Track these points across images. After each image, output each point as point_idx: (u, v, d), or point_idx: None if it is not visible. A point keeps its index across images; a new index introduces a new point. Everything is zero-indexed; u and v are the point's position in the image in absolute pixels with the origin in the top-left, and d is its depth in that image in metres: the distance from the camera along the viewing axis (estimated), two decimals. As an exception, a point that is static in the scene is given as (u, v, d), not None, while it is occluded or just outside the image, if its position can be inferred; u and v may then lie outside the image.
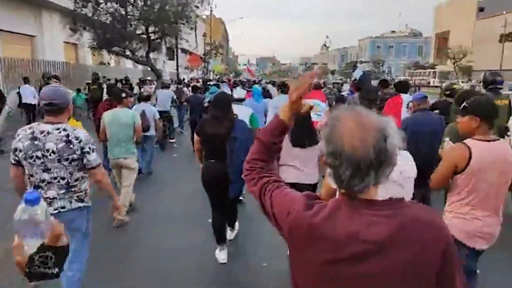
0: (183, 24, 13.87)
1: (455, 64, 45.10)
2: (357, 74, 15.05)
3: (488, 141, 2.47)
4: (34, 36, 16.70)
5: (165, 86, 12.03)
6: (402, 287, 1.06)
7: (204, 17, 46.10)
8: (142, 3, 12.38)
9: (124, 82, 13.88)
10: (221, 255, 4.09)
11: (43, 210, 0.89)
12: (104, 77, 14.64)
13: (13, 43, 15.64)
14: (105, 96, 9.98)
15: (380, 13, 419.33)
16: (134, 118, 5.18)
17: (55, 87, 2.77)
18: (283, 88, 7.35)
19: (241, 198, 5.43)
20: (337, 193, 1.22)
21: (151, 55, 15.98)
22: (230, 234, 4.53)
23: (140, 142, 6.02)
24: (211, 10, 41.46)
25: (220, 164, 3.80)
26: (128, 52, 13.65)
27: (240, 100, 5.82)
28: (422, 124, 4.37)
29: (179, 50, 26.52)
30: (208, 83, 17.12)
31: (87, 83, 13.93)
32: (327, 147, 1.08)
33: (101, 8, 12.27)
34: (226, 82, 18.32)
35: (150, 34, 13.11)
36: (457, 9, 53.32)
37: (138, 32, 13.09)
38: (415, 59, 66.65)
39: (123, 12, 12.51)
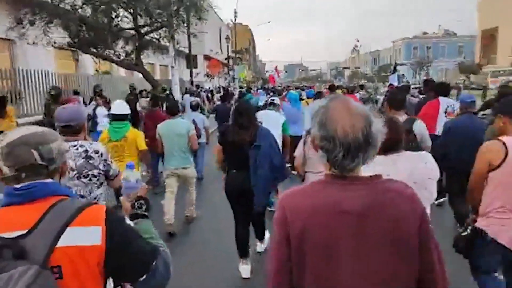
0: (191, 14, 10.28)
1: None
2: (392, 79, 13.31)
3: None
4: (11, 40, 13.64)
5: (191, 93, 13.76)
6: (385, 252, 1.18)
7: (230, 24, 42.77)
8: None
9: (146, 95, 11.52)
10: (244, 269, 3.97)
11: (138, 173, 1.82)
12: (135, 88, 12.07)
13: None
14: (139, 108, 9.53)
15: (409, 15, 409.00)
16: (189, 128, 5.26)
17: (67, 108, 2.74)
18: (318, 95, 8.41)
19: (271, 209, 4.92)
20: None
21: (150, 59, 12.48)
22: (260, 247, 4.36)
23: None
24: (235, 13, 38.12)
25: (244, 174, 3.70)
26: (118, 55, 10.06)
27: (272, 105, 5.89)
28: (466, 128, 4.30)
29: (201, 57, 23.26)
30: (239, 90, 15.66)
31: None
32: (320, 131, 1.22)
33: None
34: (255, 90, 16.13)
35: (141, 29, 9.45)
36: (509, 1, 47.71)
37: (125, 25, 9.44)
38: (455, 60, 60.59)
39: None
